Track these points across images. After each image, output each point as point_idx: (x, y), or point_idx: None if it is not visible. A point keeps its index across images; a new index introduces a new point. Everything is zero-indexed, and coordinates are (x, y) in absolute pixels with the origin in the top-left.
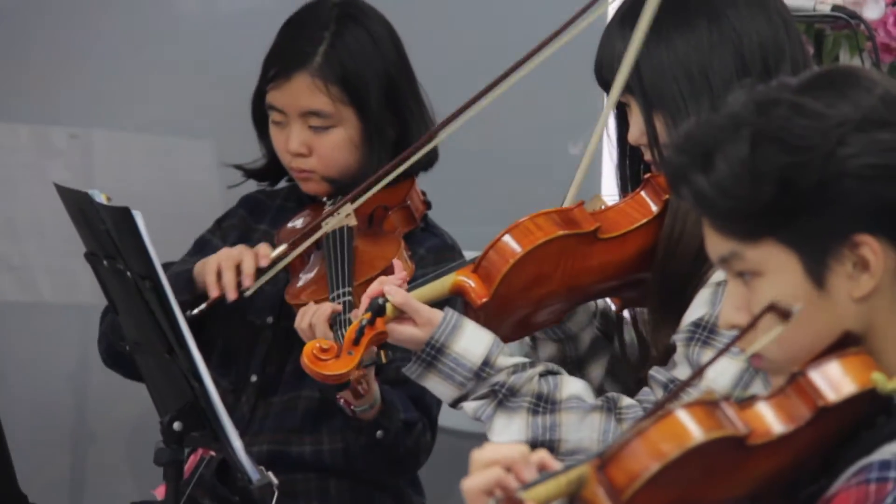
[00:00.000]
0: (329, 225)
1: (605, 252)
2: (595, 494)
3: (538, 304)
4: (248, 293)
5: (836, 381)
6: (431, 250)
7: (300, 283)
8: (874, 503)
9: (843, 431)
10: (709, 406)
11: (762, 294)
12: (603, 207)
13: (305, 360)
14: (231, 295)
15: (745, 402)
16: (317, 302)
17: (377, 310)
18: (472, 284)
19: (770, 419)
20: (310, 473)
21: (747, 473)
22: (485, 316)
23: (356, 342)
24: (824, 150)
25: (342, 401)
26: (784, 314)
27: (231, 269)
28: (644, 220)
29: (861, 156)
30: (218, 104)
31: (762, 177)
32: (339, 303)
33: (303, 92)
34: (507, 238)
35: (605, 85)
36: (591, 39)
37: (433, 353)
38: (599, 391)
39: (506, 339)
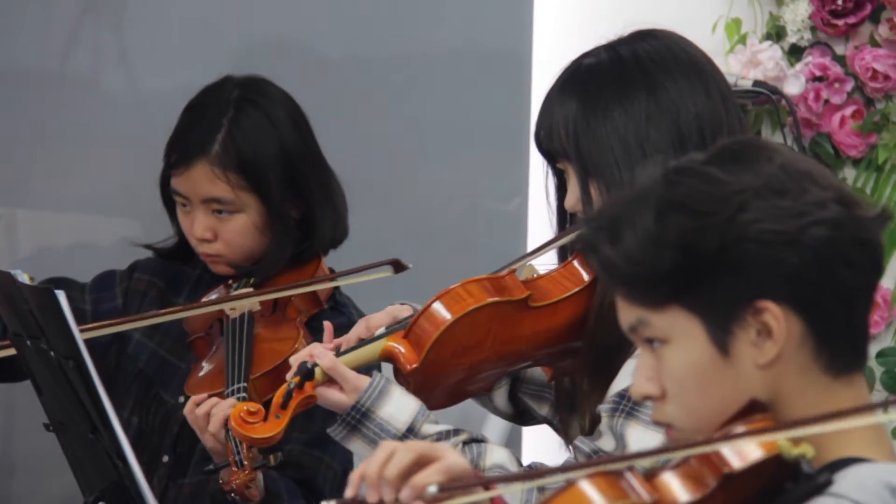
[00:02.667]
0: (232, 310)
1: (536, 320)
2: None
3: (469, 372)
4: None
5: (741, 448)
6: (338, 329)
7: (200, 374)
8: None
9: (753, 498)
10: (612, 476)
11: (670, 362)
12: (535, 276)
13: (233, 423)
14: None
15: (652, 472)
16: (211, 394)
17: (306, 374)
18: (402, 350)
19: (676, 488)
20: None
21: None
22: (415, 382)
23: (284, 406)
24: (725, 216)
25: (230, 493)
26: None
27: None
28: (575, 290)
29: (761, 221)
30: (143, 182)
31: (665, 243)
32: (236, 398)
33: (203, 180)
34: (438, 305)
35: (544, 152)
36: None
37: (358, 417)
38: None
39: (436, 406)
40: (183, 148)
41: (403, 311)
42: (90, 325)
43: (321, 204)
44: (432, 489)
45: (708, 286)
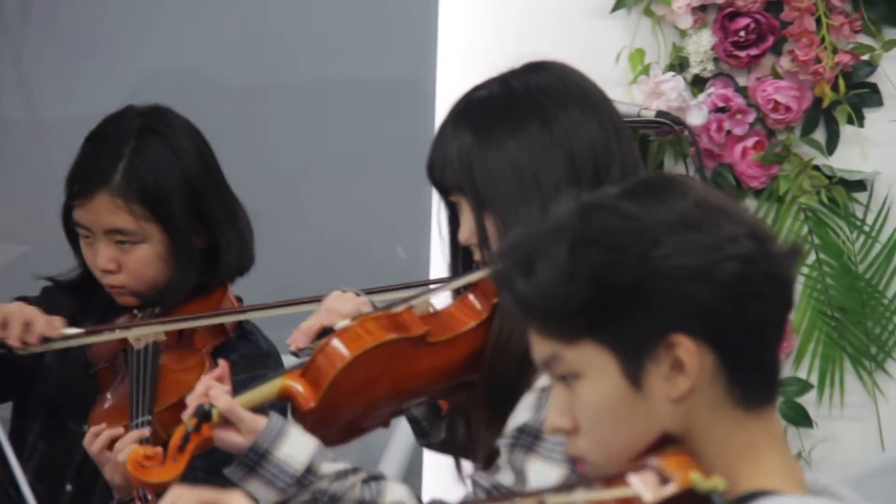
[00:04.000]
0: (137, 340)
1: (433, 356)
2: None
3: (366, 408)
4: (22, 352)
5: (655, 482)
6: (244, 357)
7: (105, 406)
8: None
9: None
10: None
11: (583, 396)
12: (431, 311)
13: (129, 466)
14: (13, 343)
15: None
16: (112, 426)
17: (203, 416)
18: (300, 389)
19: None
20: None
21: None
22: (312, 420)
23: (182, 449)
24: (638, 251)
25: None
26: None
27: (19, 323)
28: (473, 324)
29: (673, 256)
30: (43, 210)
31: (578, 278)
32: (139, 432)
33: (105, 211)
34: (336, 342)
35: (437, 184)
36: (420, 139)
37: (256, 458)
38: None
39: (333, 443)
40: (84, 179)
41: (358, 303)
42: None
43: (226, 232)
44: None
45: (621, 321)
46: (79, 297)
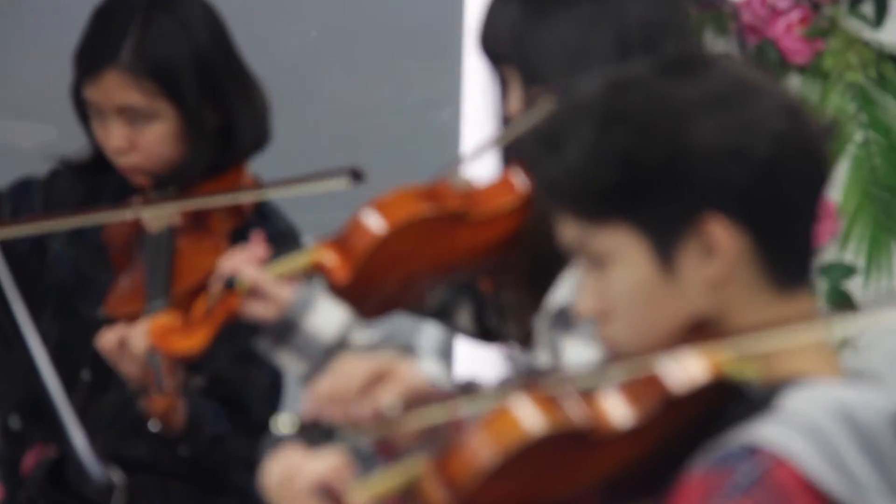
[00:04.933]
0: (151, 222)
1: (472, 233)
2: (433, 491)
3: (402, 284)
4: None
5: (688, 370)
6: (266, 240)
7: (119, 291)
8: (722, 491)
9: (698, 419)
10: (553, 398)
11: (613, 279)
12: (471, 187)
13: (154, 336)
14: None
15: (593, 392)
16: (132, 315)
17: (229, 285)
18: (333, 263)
19: (618, 411)
20: (148, 475)
21: (596, 465)
22: (346, 295)
23: (207, 318)
24: (669, 130)
25: (144, 408)
26: None
27: None
28: (513, 201)
29: (706, 135)
30: (58, 87)
31: (609, 157)
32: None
33: (114, 88)
34: (371, 215)
35: (488, 55)
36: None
37: (284, 329)
38: None
39: (368, 317)
40: (92, 56)
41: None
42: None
43: (240, 108)
44: (392, 406)
45: (652, 202)
46: (91, 179)
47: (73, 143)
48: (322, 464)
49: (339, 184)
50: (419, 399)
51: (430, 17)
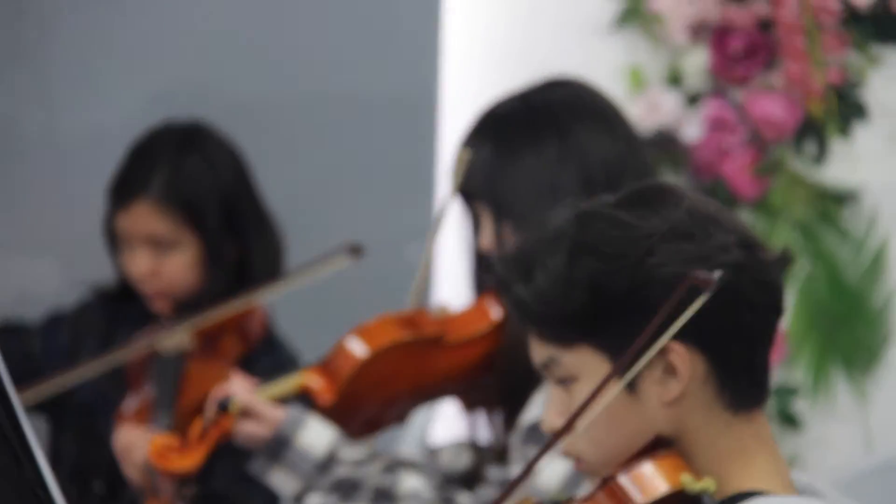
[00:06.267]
0: (164, 346)
1: (448, 357)
2: None
3: (383, 405)
4: None
5: (646, 483)
6: (269, 368)
7: (131, 408)
8: None
9: None
10: None
11: (579, 398)
12: (447, 314)
13: (152, 456)
14: None
15: None
16: (136, 425)
17: (223, 408)
18: (318, 386)
19: None
20: None
21: None
22: (331, 416)
23: (202, 439)
24: (633, 259)
25: None
26: (705, 283)
27: None
28: (487, 327)
29: (667, 265)
30: (64, 224)
31: (575, 284)
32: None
33: (143, 217)
34: (354, 340)
35: (462, 193)
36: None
37: (278, 446)
38: None
39: (351, 436)
40: (124, 186)
41: None
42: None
43: (257, 243)
44: None
45: (616, 326)
46: (115, 307)
47: (72, 276)
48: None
49: (341, 262)
50: None
51: (403, 151)
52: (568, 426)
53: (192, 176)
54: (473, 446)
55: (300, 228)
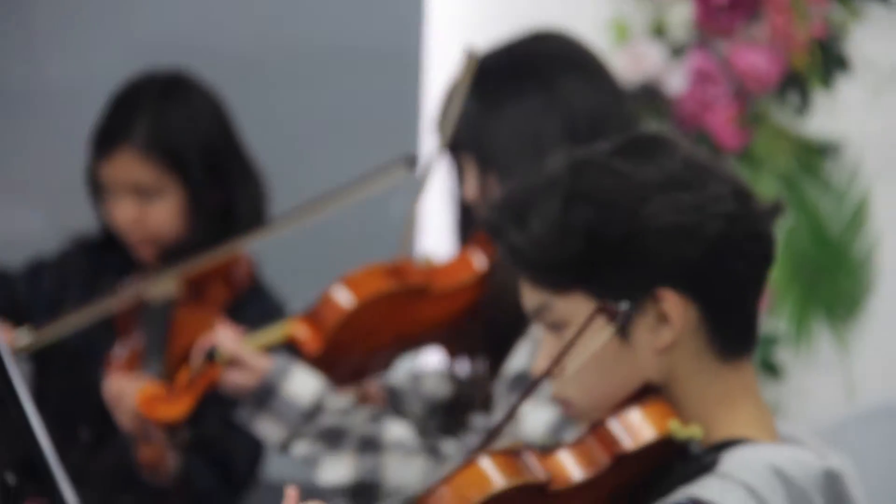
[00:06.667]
0: (151, 294)
1: (433, 306)
2: None
3: (369, 354)
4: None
5: (634, 429)
6: (256, 316)
7: (120, 357)
8: None
9: (644, 476)
10: (511, 455)
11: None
12: (432, 264)
13: (140, 405)
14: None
15: (548, 451)
16: (127, 374)
17: (210, 357)
18: (305, 335)
19: (570, 466)
20: None
21: None
22: (317, 365)
23: (189, 388)
24: (629, 208)
25: (135, 455)
26: (611, 315)
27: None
28: (472, 276)
29: (662, 215)
30: (56, 172)
31: (571, 231)
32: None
33: (126, 165)
34: (340, 290)
35: (444, 144)
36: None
37: (264, 395)
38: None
39: (338, 385)
40: (106, 135)
41: None
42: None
43: (240, 190)
44: None
45: (610, 274)
46: (98, 256)
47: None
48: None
49: (398, 174)
50: None
51: (388, 103)
52: (552, 368)
53: (175, 124)
54: (455, 377)
55: (284, 179)
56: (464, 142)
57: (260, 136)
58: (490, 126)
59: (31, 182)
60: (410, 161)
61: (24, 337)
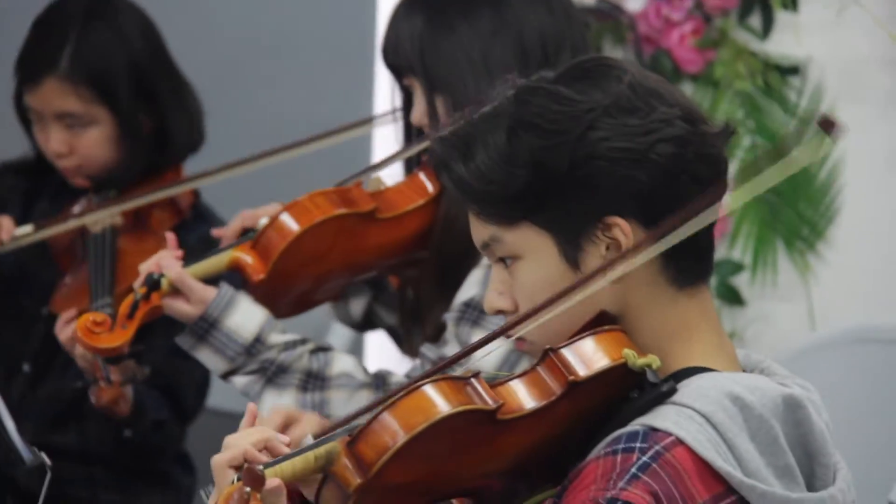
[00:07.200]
0: (93, 223)
1: (382, 232)
2: (345, 469)
3: (316, 281)
4: None
5: (587, 357)
6: (202, 239)
7: (66, 290)
8: (619, 472)
9: (600, 406)
10: (457, 381)
11: (522, 277)
12: (381, 188)
13: (79, 332)
14: None
15: (499, 380)
16: (78, 311)
17: (152, 285)
18: (250, 261)
19: (522, 395)
20: (75, 462)
21: (502, 448)
22: (262, 292)
23: (130, 316)
24: (575, 134)
25: (93, 398)
26: None
27: None
28: (421, 202)
29: (610, 139)
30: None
31: (517, 161)
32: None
33: (53, 95)
34: (285, 216)
35: (391, 67)
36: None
37: (206, 326)
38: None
39: (283, 315)
40: (32, 64)
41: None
42: None
43: (174, 112)
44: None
45: (559, 203)
46: (33, 178)
47: (10, 146)
48: (247, 439)
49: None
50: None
51: (344, 23)
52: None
53: (100, 48)
54: (404, 307)
55: (238, 108)
56: (412, 65)
57: (205, 62)
58: (438, 48)
59: None
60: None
61: None
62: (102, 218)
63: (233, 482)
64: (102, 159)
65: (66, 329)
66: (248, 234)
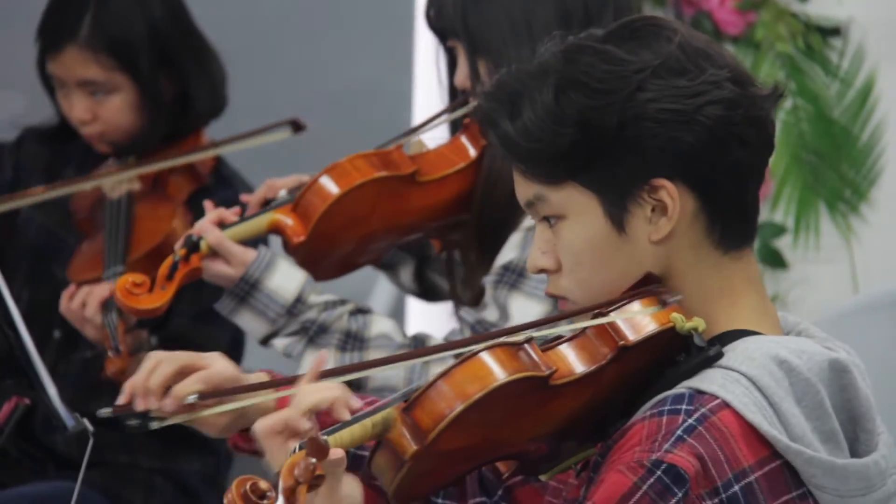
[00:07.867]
0: (111, 189)
1: (423, 194)
2: (401, 436)
3: (356, 244)
4: None
5: (636, 321)
6: (225, 203)
7: (81, 256)
8: (665, 434)
9: (646, 369)
10: (512, 348)
11: (566, 237)
12: (422, 150)
13: (118, 294)
14: None
15: (549, 344)
16: (91, 278)
17: (192, 246)
18: (290, 223)
19: (572, 359)
20: (115, 428)
21: (552, 412)
22: (302, 255)
23: (170, 277)
24: (624, 95)
25: (109, 371)
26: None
27: None
28: (462, 164)
29: (658, 101)
30: (26, 57)
31: (564, 120)
32: (112, 283)
33: (74, 63)
34: (325, 178)
35: (434, 30)
36: None
37: (247, 288)
38: None
39: (323, 277)
40: (52, 32)
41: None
42: None
43: (196, 77)
44: (191, 398)
45: (605, 164)
46: (57, 144)
47: (42, 112)
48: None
49: (282, 135)
50: (221, 389)
51: None
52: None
53: (120, 16)
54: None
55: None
56: (455, 28)
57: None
58: (480, 10)
59: (13, 65)
60: (296, 126)
61: None
62: (119, 183)
63: (294, 451)
64: (125, 126)
65: (71, 303)
66: (267, 205)
